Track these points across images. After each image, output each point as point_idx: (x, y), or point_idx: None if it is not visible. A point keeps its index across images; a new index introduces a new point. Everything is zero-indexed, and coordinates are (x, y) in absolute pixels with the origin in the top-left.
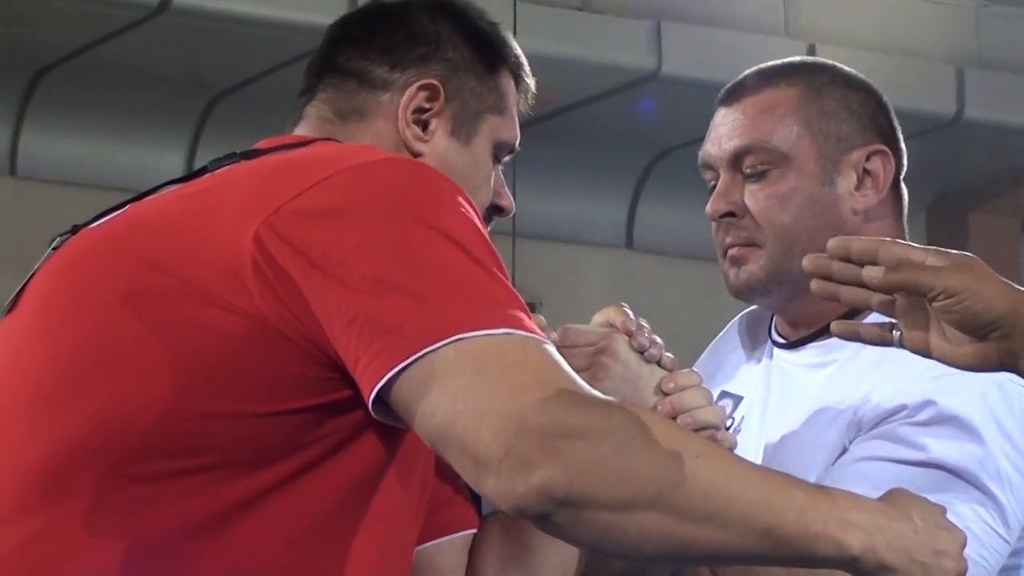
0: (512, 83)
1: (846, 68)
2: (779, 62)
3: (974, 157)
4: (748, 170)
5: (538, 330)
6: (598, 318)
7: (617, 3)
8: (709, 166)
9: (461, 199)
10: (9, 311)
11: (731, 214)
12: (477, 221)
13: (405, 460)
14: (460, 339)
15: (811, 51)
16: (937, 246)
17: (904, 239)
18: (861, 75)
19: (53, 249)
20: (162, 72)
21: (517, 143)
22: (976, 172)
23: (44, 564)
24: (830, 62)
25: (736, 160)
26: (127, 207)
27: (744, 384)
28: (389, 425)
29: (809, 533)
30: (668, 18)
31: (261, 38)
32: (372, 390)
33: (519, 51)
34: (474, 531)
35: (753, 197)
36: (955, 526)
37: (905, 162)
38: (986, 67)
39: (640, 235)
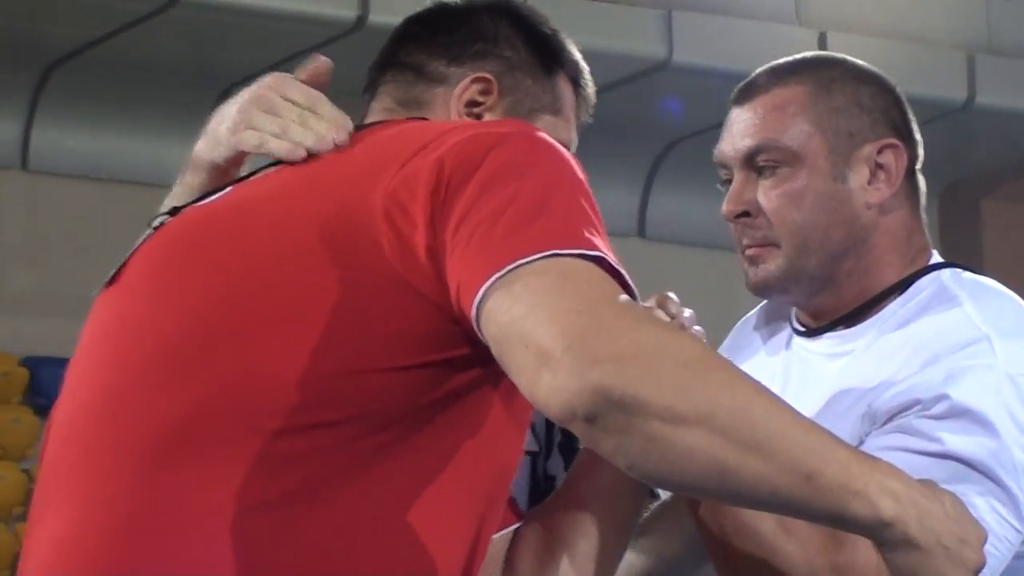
0: (570, 88)
1: (858, 62)
2: (790, 59)
3: (986, 144)
4: (761, 166)
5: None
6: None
7: None
8: (724, 165)
9: (569, 155)
10: (108, 287)
11: (746, 214)
12: (581, 174)
13: (520, 417)
14: (554, 254)
15: (822, 39)
16: (950, 232)
17: (921, 229)
18: (873, 68)
19: (154, 228)
20: (172, 65)
21: (573, 147)
22: (988, 159)
23: (185, 519)
24: (841, 56)
25: (749, 159)
26: (231, 188)
27: (763, 370)
28: (505, 383)
29: (849, 488)
30: (679, 7)
31: (272, 30)
32: (472, 305)
33: (579, 58)
34: (514, 528)
35: (766, 196)
36: (978, 521)
37: (921, 152)
38: (997, 53)
39: (652, 224)
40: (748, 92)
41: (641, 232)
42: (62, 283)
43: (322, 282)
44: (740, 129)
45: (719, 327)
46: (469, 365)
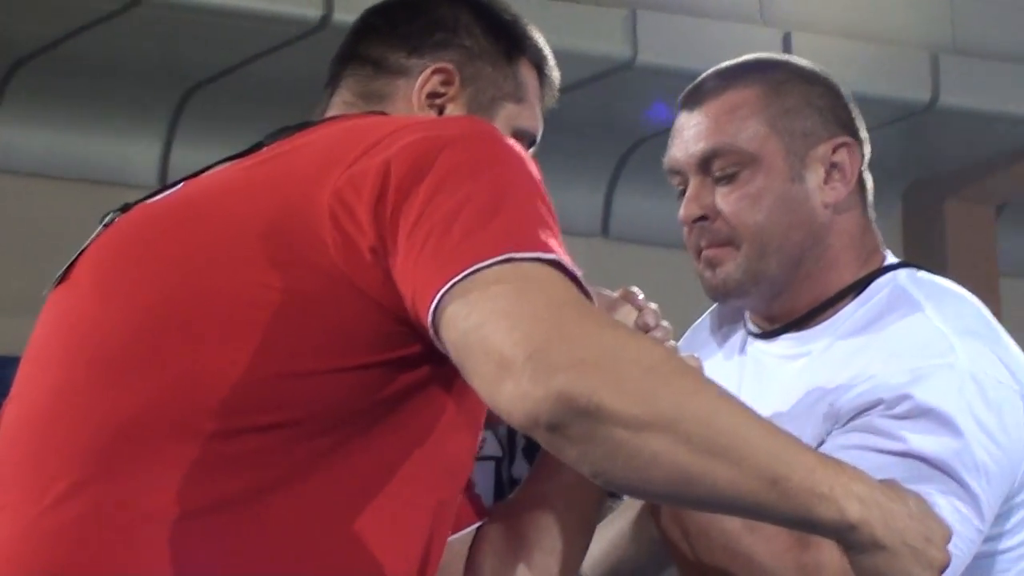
0: (534, 74)
1: (802, 62)
2: (735, 62)
3: (950, 144)
4: (718, 173)
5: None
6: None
7: None
8: (676, 171)
9: (522, 151)
10: (58, 285)
11: (703, 218)
12: (534, 169)
13: (472, 417)
14: (511, 258)
15: (786, 39)
16: (913, 232)
17: (872, 228)
18: (817, 67)
19: (104, 225)
20: (137, 64)
21: (538, 134)
22: (952, 159)
23: (124, 524)
24: (785, 57)
25: (704, 164)
26: (182, 184)
27: (719, 373)
28: (457, 383)
29: (815, 493)
30: (643, 7)
31: (236, 29)
32: (428, 311)
33: (542, 44)
34: (476, 527)
35: (724, 199)
36: (942, 519)
37: (868, 151)
38: (961, 53)
39: (616, 224)
40: (697, 96)
41: (605, 231)
42: (24, 282)
43: (266, 281)
44: (693, 134)
45: (683, 325)
46: (416, 366)
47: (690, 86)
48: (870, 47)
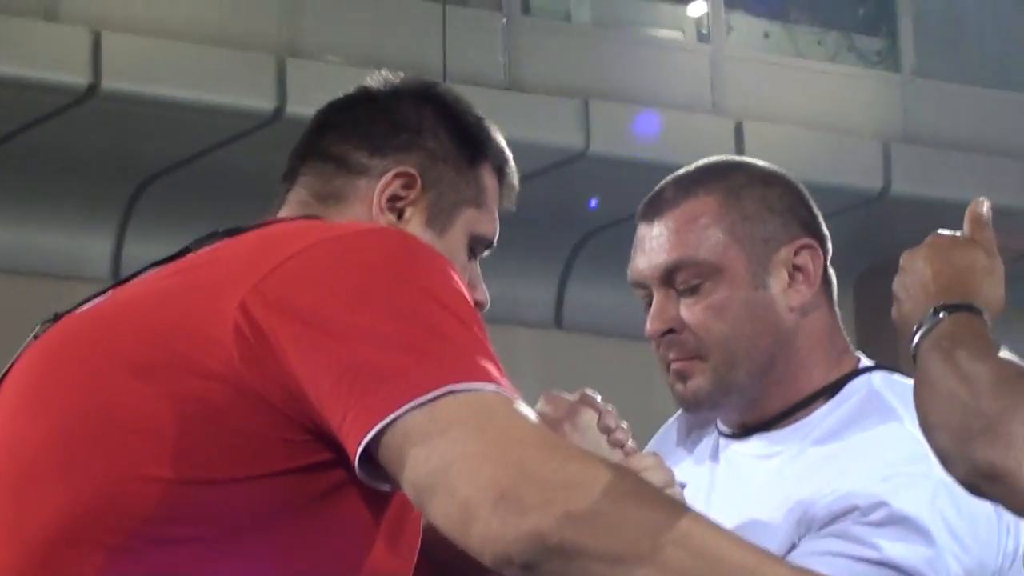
0: (494, 178)
1: (760, 164)
2: (692, 168)
3: (902, 231)
4: (681, 286)
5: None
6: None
7: (544, 82)
8: (641, 284)
9: (447, 267)
10: None
11: (670, 331)
12: (462, 288)
13: (392, 526)
14: (454, 391)
15: (739, 128)
16: (865, 320)
17: (838, 327)
18: (775, 168)
19: (35, 337)
20: (90, 157)
21: (495, 238)
22: (904, 246)
23: None
24: (741, 159)
25: (667, 277)
26: (110, 292)
27: (690, 474)
28: (372, 490)
29: None
30: (596, 96)
31: (190, 122)
32: (362, 440)
33: (504, 146)
34: None
35: (689, 311)
36: None
37: (830, 248)
38: (912, 142)
39: (569, 315)
40: (656, 207)
41: (558, 323)
42: None
43: (173, 391)
44: (654, 247)
45: (636, 417)
46: (329, 469)
47: (649, 195)
48: (822, 136)
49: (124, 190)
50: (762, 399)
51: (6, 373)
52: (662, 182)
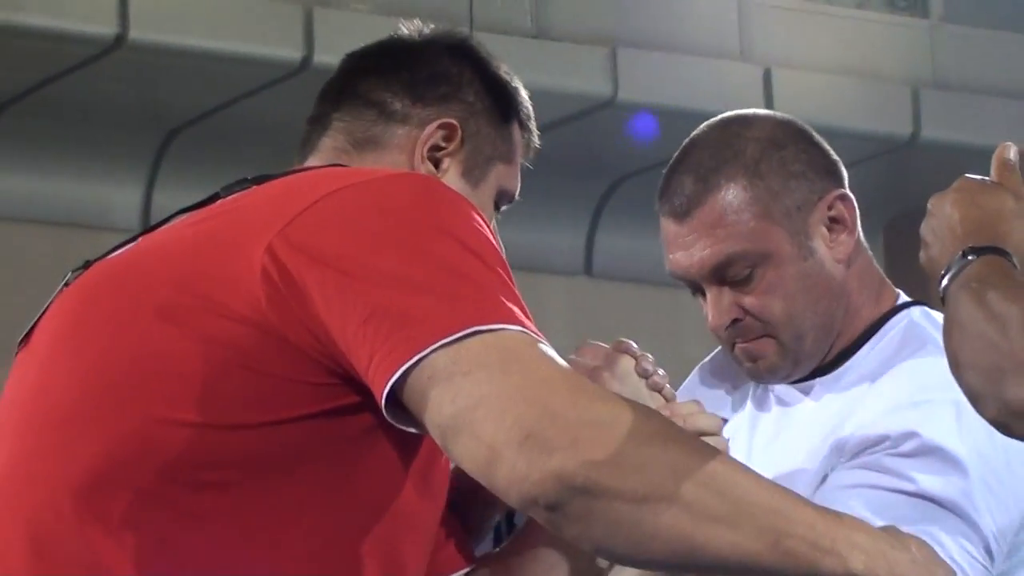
0: (519, 134)
1: (762, 118)
2: (701, 151)
3: (931, 177)
4: (732, 278)
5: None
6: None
7: (572, 30)
8: (685, 279)
9: (473, 211)
10: (22, 347)
11: (734, 321)
12: (488, 231)
13: (421, 467)
14: (478, 331)
15: (767, 75)
16: (896, 266)
17: (871, 259)
18: (776, 118)
19: (65, 284)
20: (118, 108)
21: (517, 194)
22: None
23: None
24: (743, 124)
25: (717, 274)
26: (140, 239)
27: (729, 414)
28: (400, 433)
29: (818, 547)
30: (623, 44)
31: (217, 72)
32: (388, 382)
33: (528, 102)
34: (468, 570)
35: (747, 299)
36: (946, 563)
37: (846, 182)
38: (942, 88)
39: (599, 262)
40: (681, 206)
41: (588, 270)
42: (13, 331)
43: (203, 336)
44: (696, 248)
45: (666, 363)
46: (357, 413)
47: (668, 190)
48: (851, 82)
49: (153, 140)
50: (826, 353)
51: (38, 321)
52: (672, 169)
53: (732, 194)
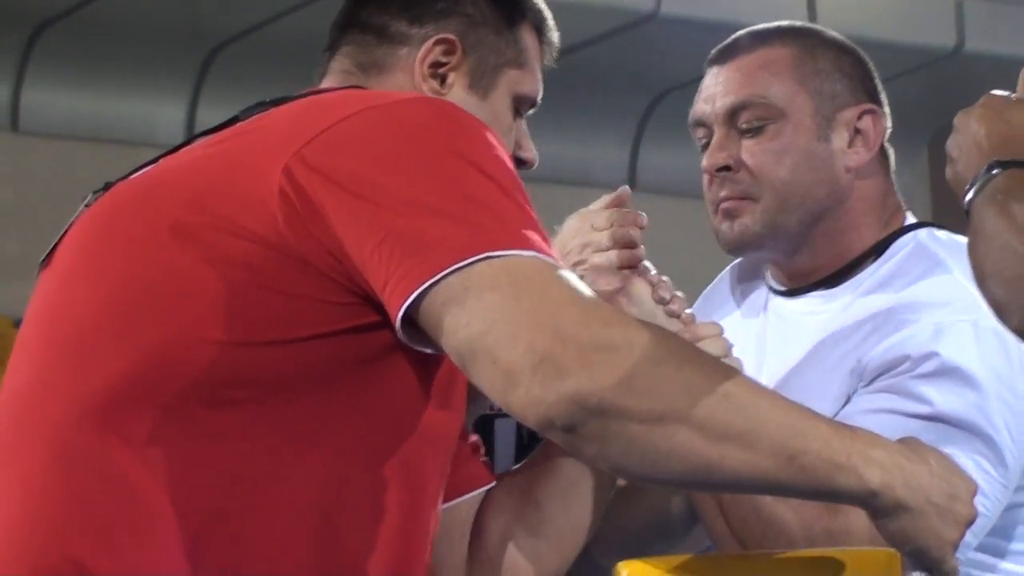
0: (534, 37)
1: (835, 34)
2: (770, 25)
3: (975, 89)
4: (744, 125)
5: (561, 262)
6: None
7: None
8: (702, 123)
9: (489, 135)
10: (44, 266)
11: (727, 168)
12: (505, 156)
13: (442, 384)
14: (491, 256)
15: None
16: (940, 179)
17: (893, 193)
18: (847, 41)
19: (86, 206)
20: (162, 24)
21: (539, 96)
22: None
23: (99, 499)
24: (818, 27)
25: (732, 116)
26: (160, 160)
27: (740, 330)
28: (421, 352)
29: (833, 463)
30: None
31: None
32: (402, 305)
33: (542, 5)
34: (486, 488)
35: (750, 151)
36: (967, 474)
37: (889, 124)
38: None
39: (643, 176)
40: (730, 52)
41: (632, 184)
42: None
43: (222, 256)
44: (723, 87)
45: (710, 278)
46: (376, 331)
47: (722, 44)
48: None
49: (197, 57)
50: (809, 250)
51: (60, 241)
52: (737, 33)
53: (780, 53)
